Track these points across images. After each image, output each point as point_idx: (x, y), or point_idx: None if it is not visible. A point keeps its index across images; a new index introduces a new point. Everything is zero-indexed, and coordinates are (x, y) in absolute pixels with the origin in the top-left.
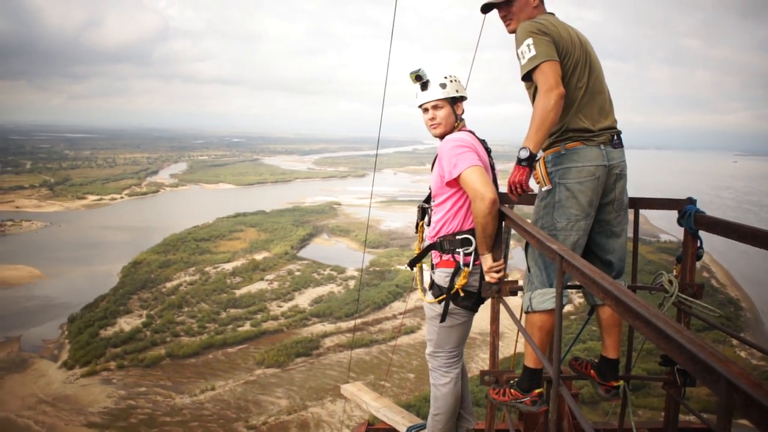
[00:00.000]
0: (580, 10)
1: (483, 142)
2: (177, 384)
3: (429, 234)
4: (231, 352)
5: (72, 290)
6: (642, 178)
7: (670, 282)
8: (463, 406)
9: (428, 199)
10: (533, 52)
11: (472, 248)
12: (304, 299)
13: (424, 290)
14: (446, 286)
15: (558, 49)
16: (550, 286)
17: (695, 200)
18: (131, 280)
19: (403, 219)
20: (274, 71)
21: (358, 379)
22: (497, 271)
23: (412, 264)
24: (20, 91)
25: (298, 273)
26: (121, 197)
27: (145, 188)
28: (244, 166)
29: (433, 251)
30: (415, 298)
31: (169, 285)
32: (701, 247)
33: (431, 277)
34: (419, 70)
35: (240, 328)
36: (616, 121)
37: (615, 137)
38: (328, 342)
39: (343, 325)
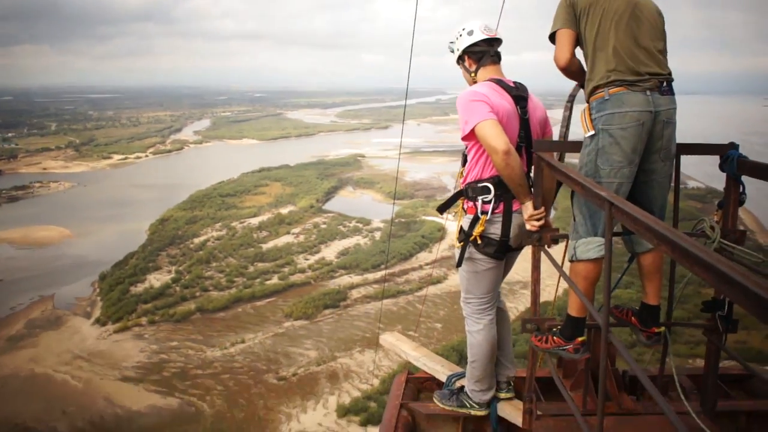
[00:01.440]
0: None
1: (515, 86)
2: (207, 338)
3: (460, 180)
4: (259, 306)
5: (102, 248)
6: None
7: (712, 228)
8: (503, 354)
9: None
10: (553, 22)
11: (490, 196)
12: (330, 252)
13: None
14: (467, 232)
15: (577, 11)
16: (595, 234)
17: (738, 145)
18: (159, 237)
19: (428, 170)
20: (297, 26)
21: (386, 329)
22: (538, 219)
23: (441, 209)
24: (44, 55)
25: (324, 226)
26: (146, 156)
27: (169, 146)
28: (267, 121)
29: (463, 198)
30: (442, 249)
31: (196, 241)
32: (744, 192)
33: (460, 223)
34: (451, 43)
35: (268, 282)
36: (667, 68)
37: (664, 83)
38: (355, 293)
39: (370, 276)
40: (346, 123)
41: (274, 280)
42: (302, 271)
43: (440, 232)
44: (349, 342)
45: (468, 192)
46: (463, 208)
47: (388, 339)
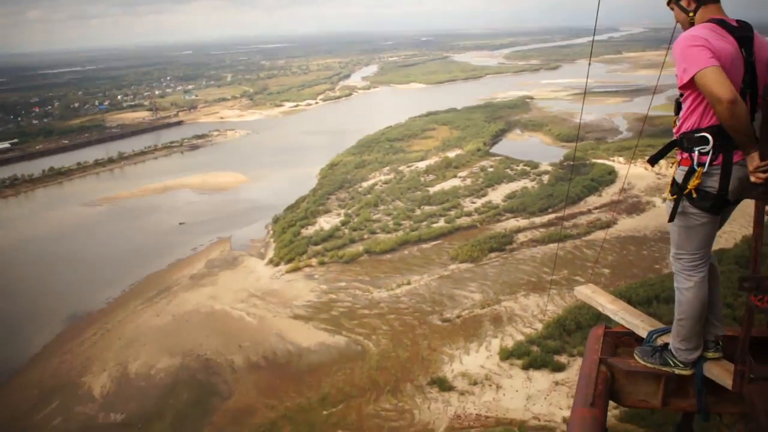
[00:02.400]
0: None
1: (739, 26)
2: (374, 279)
3: (675, 130)
4: (425, 248)
5: (275, 193)
6: None
7: None
8: (712, 311)
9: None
10: None
11: (708, 147)
12: (497, 195)
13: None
14: (681, 184)
15: None
16: None
17: None
18: (329, 181)
19: (598, 111)
20: None
21: (552, 274)
22: (764, 171)
23: (652, 160)
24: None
25: (491, 169)
26: (316, 102)
27: (338, 92)
28: (434, 65)
29: (678, 148)
30: (611, 192)
31: (364, 185)
32: None
33: (674, 176)
34: None
35: (434, 225)
36: None
37: None
38: (521, 237)
39: (537, 220)
40: (514, 64)
41: (441, 223)
42: (468, 214)
43: (611, 175)
44: (514, 286)
45: (683, 142)
46: (677, 159)
47: (583, 291)
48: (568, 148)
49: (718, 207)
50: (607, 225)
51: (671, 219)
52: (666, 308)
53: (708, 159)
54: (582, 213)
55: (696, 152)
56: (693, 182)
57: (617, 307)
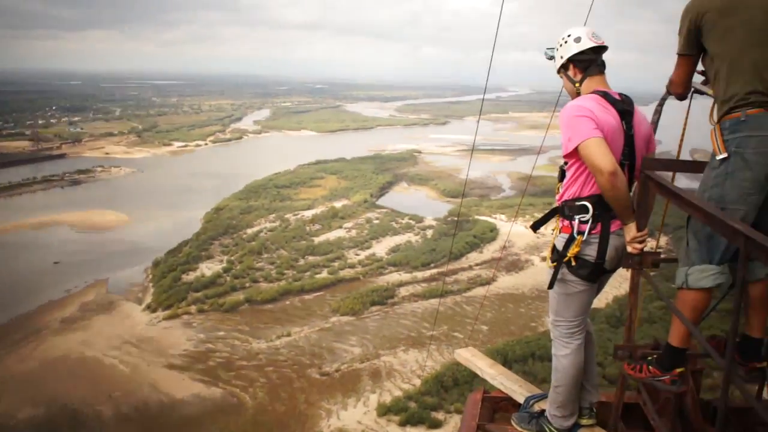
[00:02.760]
0: None
1: (621, 99)
2: (254, 329)
3: (557, 197)
4: (308, 299)
5: (157, 235)
6: None
7: None
8: (587, 378)
9: None
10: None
11: (588, 216)
12: (381, 248)
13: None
14: (561, 252)
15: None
16: (711, 262)
17: None
18: (213, 225)
19: (483, 168)
20: (360, 16)
21: (431, 329)
22: (640, 242)
23: (535, 226)
24: (112, 40)
25: (376, 221)
26: (206, 143)
27: (229, 135)
28: (326, 113)
29: (559, 215)
30: (492, 250)
31: (249, 231)
32: None
33: (554, 242)
34: (548, 50)
35: (317, 275)
36: None
37: None
38: (403, 291)
39: (419, 274)
40: (405, 117)
41: (324, 274)
42: (352, 266)
43: (492, 233)
44: (394, 340)
45: (564, 210)
46: (558, 226)
47: (463, 354)
48: (453, 203)
49: (596, 275)
50: (488, 282)
51: (551, 286)
52: (541, 366)
53: (587, 227)
54: (463, 269)
55: (576, 220)
56: (573, 250)
57: (496, 371)
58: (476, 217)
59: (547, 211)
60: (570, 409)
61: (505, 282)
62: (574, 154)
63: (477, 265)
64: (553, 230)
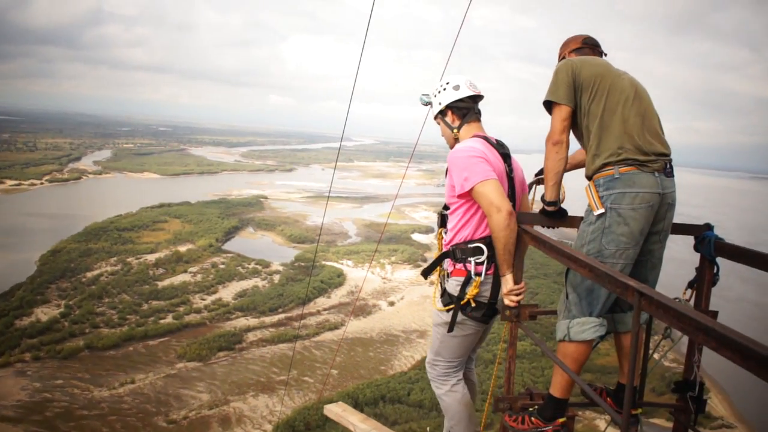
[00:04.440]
0: (514, 14)
1: (499, 144)
2: (96, 377)
3: (444, 241)
4: (152, 345)
5: None
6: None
7: None
8: None
9: (447, 206)
10: (552, 88)
11: (483, 257)
12: (227, 293)
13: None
14: (457, 295)
15: (578, 83)
16: (590, 314)
17: (713, 226)
18: (50, 268)
19: (329, 215)
20: (206, 61)
21: (281, 374)
22: (518, 294)
23: (425, 273)
24: None
25: (222, 266)
26: (42, 183)
27: (66, 174)
28: (170, 156)
29: (447, 259)
30: (339, 295)
31: (89, 275)
32: (717, 273)
33: (443, 286)
34: (424, 95)
35: (162, 321)
36: (669, 149)
37: (668, 165)
38: (251, 336)
39: (267, 319)
40: (251, 163)
41: (169, 319)
42: (198, 311)
43: (339, 278)
44: (243, 386)
45: (456, 253)
46: (447, 271)
47: (333, 410)
48: (299, 248)
49: (489, 316)
50: (335, 327)
51: (451, 329)
52: (392, 408)
53: (483, 269)
54: (311, 314)
55: (472, 262)
56: (472, 292)
57: (369, 426)
58: (323, 262)
59: (435, 257)
60: None
61: (354, 326)
62: (466, 196)
63: (325, 309)
64: (440, 275)
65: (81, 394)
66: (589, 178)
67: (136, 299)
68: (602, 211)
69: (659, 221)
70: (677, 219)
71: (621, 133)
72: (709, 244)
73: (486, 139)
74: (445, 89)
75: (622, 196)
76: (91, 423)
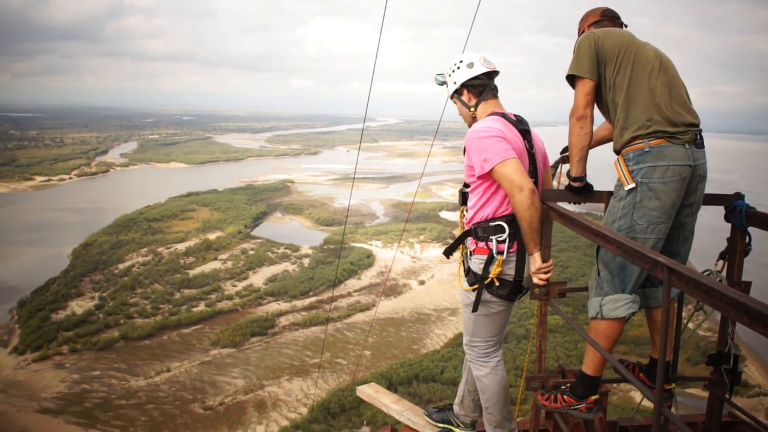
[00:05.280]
0: None
1: (518, 120)
2: (132, 366)
3: (465, 220)
4: (186, 333)
5: (21, 274)
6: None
7: (720, 281)
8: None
9: (467, 184)
10: (575, 62)
11: (505, 235)
12: (258, 278)
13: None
14: (481, 274)
15: (602, 55)
16: (623, 291)
17: (744, 195)
18: (82, 262)
19: (357, 196)
20: (226, 48)
21: (314, 357)
22: (546, 272)
23: (447, 252)
24: None
25: (252, 252)
26: (70, 178)
27: (94, 168)
28: (195, 145)
29: (469, 238)
30: (369, 275)
31: (121, 266)
32: (750, 243)
33: (467, 264)
34: (438, 75)
35: (194, 309)
36: (698, 119)
37: (698, 136)
38: (283, 321)
39: (298, 303)
40: (276, 148)
41: (201, 307)
42: (229, 297)
43: (369, 259)
44: (277, 370)
45: (477, 232)
46: (469, 249)
47: (365, 391)
48: (327, 231)
49: (515, 294)
50: (367, 308)
51: (475, 309)
52: (425, 387)
53: (505, 247)
54: (342, 296)
55: (494, 241)
56: (495, 270)
57: (402, 406)
58: (352, 244)
59: (458, 236)
60: (508, 427)
61: (385, 307)
62: (487, 176)
63: (356, 291)
64: (463, 253)
65: (118, 384)
66: (617, 152)
67: (168, 288)
68: (633, 185)
69: (691, 194)
70: (708, 186)
71: (649, 105)
72: (740, 213)
73: (504, 116)
74: (459, 68)
75: (653, 169)
76: (129, 412)
